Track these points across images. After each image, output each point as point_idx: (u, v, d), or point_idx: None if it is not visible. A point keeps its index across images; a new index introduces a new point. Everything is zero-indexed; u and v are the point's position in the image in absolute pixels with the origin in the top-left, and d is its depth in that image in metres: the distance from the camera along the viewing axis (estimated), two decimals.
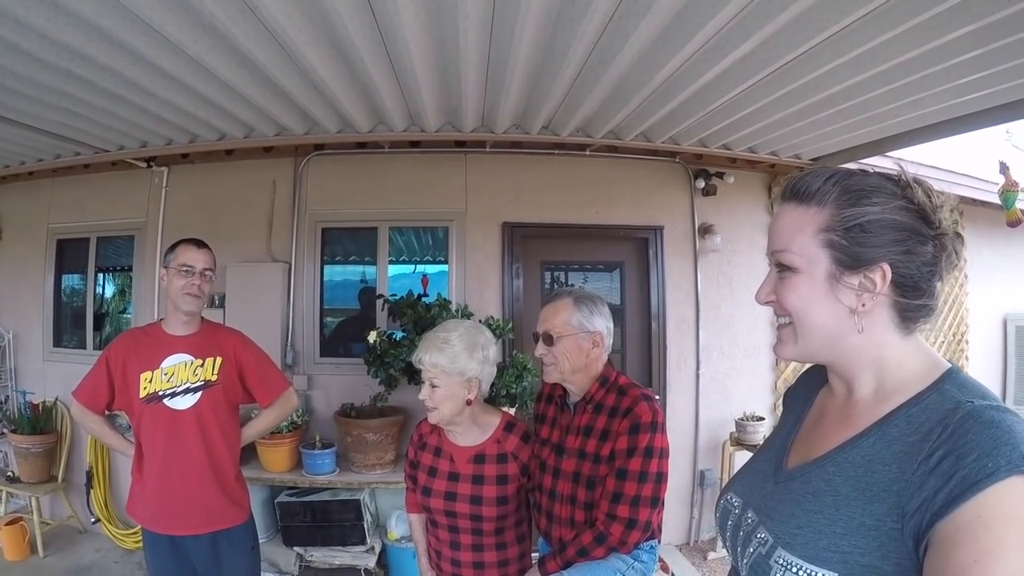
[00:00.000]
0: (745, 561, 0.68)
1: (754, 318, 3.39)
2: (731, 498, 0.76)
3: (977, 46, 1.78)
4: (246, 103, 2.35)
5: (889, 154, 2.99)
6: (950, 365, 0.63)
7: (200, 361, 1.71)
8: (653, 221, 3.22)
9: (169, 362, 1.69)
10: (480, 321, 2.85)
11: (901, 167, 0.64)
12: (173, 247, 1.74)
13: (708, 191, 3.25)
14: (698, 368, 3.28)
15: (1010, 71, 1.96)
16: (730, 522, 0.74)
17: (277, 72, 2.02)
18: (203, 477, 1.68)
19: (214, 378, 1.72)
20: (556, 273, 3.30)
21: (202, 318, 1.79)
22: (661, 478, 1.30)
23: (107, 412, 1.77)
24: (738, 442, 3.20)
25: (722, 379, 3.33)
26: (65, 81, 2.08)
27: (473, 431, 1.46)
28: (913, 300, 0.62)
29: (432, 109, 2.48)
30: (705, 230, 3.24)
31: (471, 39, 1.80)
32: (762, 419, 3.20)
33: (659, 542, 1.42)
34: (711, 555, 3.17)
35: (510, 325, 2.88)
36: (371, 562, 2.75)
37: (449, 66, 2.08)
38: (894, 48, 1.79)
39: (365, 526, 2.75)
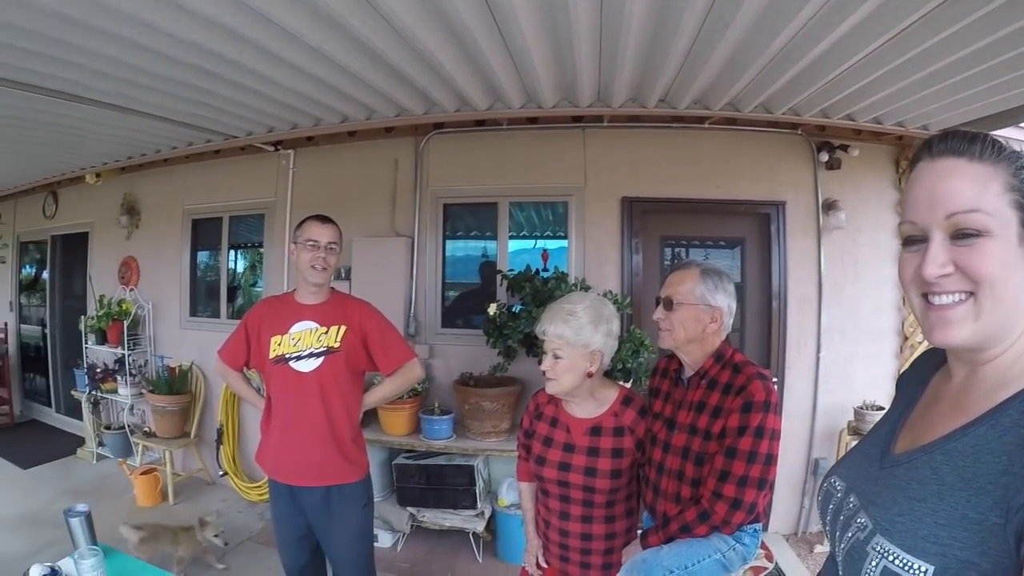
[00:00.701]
0: (842, 546, 0.66)
1: (879, 301, 3.21)
2: (834, 481, 0.73)
3: None
4: (366, 87, 2.47)
5: None
6: None
7: (325, 329, 1.81)
8: (775, 196, 3.11)
9: (297, 328, 1.81)
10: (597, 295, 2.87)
11: None
12: (300, 224, 1.84)
13: (832, 165, 3.10)
14: (818, 351, 3.15)
15: None
16: (831, 506, 0.71)
17: (394, 56, 2.11)
18: (319, 435, 1.79)
19: (336, 345, 1.81)
20: (677, 249, 3.25)
21: (331, 289, 1.90)
22: (771, 460, 1.26)
23: (245, 369, 1.94)
24: (856, 431, 3.05)
25: (843, 364, 3.18)
26: (194, 75, 2.27)
27: (590, 403, 1.47)
28: None
29: (547, 85, 2.50)
30: (829, 206, 3.10)
31: (581, 12, 1.81)
32: (882, 408, 3.03)
33: (764, 527, 1.39)
34: (818, 548, 3.04)
35: (628, 300, 2.87)
36: (480, 526, 2.83)
37: (562, 41, 2.09)
38: (1019, 9, 1.65)
39: (477, 491, 2.83)
